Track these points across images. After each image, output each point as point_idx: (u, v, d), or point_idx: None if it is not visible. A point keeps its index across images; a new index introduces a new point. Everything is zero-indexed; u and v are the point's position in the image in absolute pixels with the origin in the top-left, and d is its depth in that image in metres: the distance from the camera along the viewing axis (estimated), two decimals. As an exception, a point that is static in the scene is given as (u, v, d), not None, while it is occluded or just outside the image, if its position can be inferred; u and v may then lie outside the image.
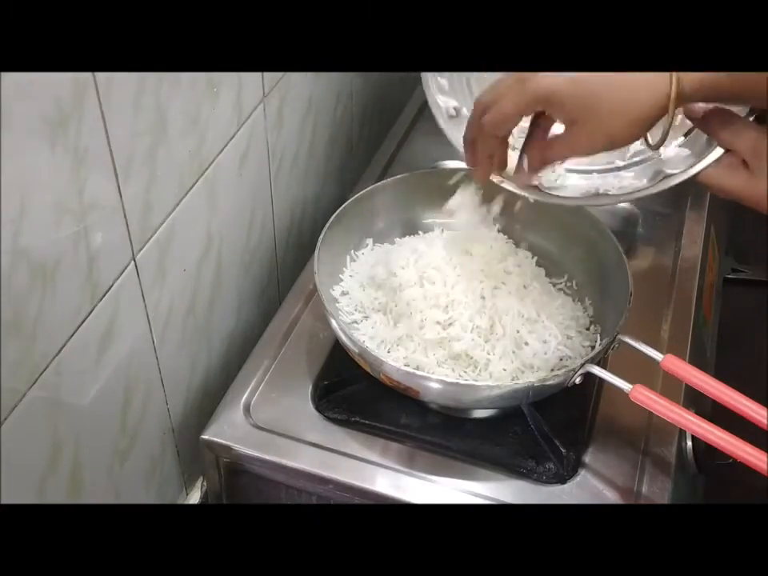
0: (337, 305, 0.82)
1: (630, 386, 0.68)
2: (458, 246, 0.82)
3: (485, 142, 0.68)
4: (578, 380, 0.71)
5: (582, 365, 0.71)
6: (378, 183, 0.90)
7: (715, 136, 0.63)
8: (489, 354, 0.74)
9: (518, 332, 0.75)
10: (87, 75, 0.56)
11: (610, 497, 0.72)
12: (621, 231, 0.97)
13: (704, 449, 0.76)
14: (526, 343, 0.75)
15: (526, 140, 0.68)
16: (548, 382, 0.70)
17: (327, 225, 0.83)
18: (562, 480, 0.73)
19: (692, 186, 1.05)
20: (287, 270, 1.00)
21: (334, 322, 0.75)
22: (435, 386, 0.71)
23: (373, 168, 1.07)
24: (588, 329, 0.80)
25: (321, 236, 0.82)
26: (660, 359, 0.71)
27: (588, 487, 0.72)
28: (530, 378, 0.72)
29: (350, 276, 0.85)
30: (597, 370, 0.70)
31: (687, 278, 0.93)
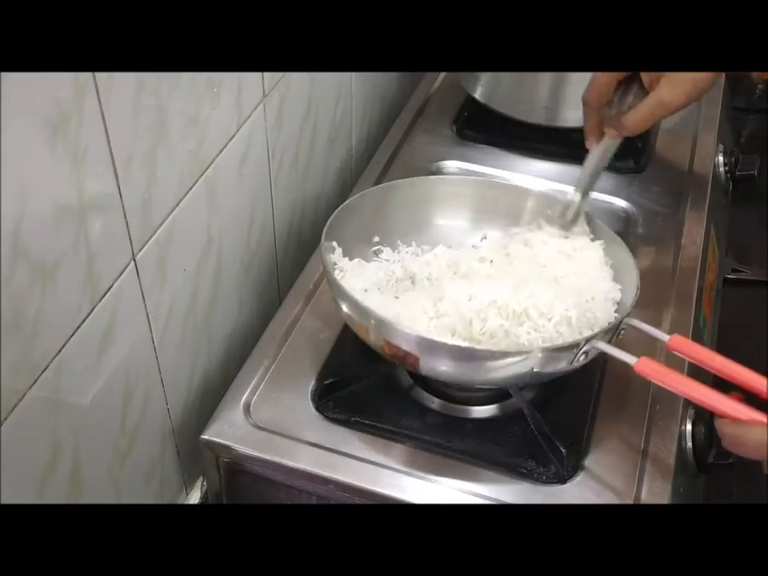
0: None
1: (636, 359, 0.67)
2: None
3: (592, 111, 0.82)
4: (582, 358, 0.70)
5: (588, 340, 0.69)
6: (394, 182, 0.90)
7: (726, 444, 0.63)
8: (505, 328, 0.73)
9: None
10: (87, 75, 0.56)
11: (610, 497, 0.72)
12: (621, 231, 0.97)
13: (704, 449, 0.76)
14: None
15: (617, 107, 0.82)
16: (553, 350, 0.69)
17: (334, 214, 0.82)
18: (562, 480, 0.73)
19: (692, 186, 1.06)
20: (287, 269, 1.00)
21: (333, 277, 0.75)
22: (436, 350, 0.70)
23: (373, 168, 1.07)
24: None
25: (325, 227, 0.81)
26: (667, 340, 0.71)
27: (588, 487, 0.72)
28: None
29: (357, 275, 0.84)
30: (602, 345, 0.70)
31: (687, 278, 0.93)
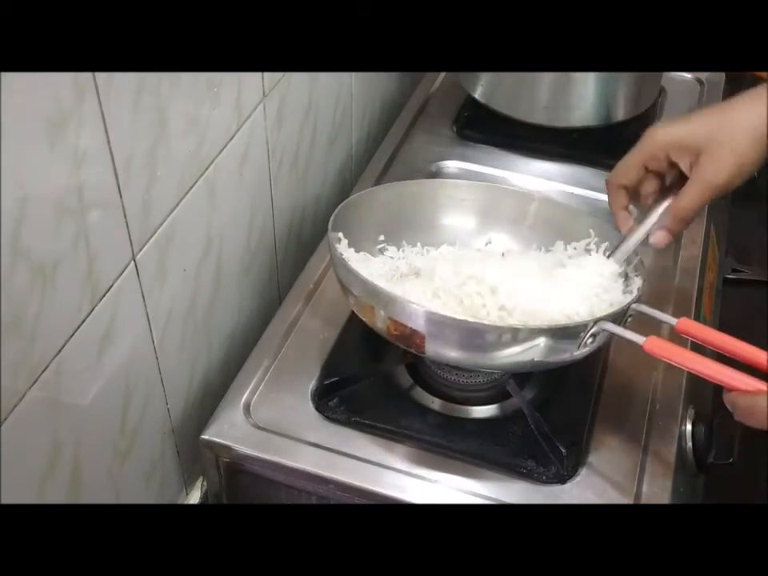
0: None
1: (644, 338, 0.67)
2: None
3: (614, 193, 0.77)
4: (590, 341, 0.69)
5: (596, 321, 0.69)
6: (400, 182, 0.90)
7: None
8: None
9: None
10: (87, 75, 0.56)
11: (611, 497, 0.72)
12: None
13: (704, 449, 0.76)
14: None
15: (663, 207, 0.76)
16: (561, 330, 0.68)
17: (337, 210, 0.81)
18: (562, 480, 0.73)
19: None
20: (287, 270, 1.00)
21: (339, 256, 0.75)
22: (444, 327, 0.69)
23: (373, 168, 1.07)
24: None
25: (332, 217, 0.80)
26: (675, 323, 0.70)
27: (588, 487, 0.72)
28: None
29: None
30: (611, 326, 0.69)
31: (687, 278, 0.93)
